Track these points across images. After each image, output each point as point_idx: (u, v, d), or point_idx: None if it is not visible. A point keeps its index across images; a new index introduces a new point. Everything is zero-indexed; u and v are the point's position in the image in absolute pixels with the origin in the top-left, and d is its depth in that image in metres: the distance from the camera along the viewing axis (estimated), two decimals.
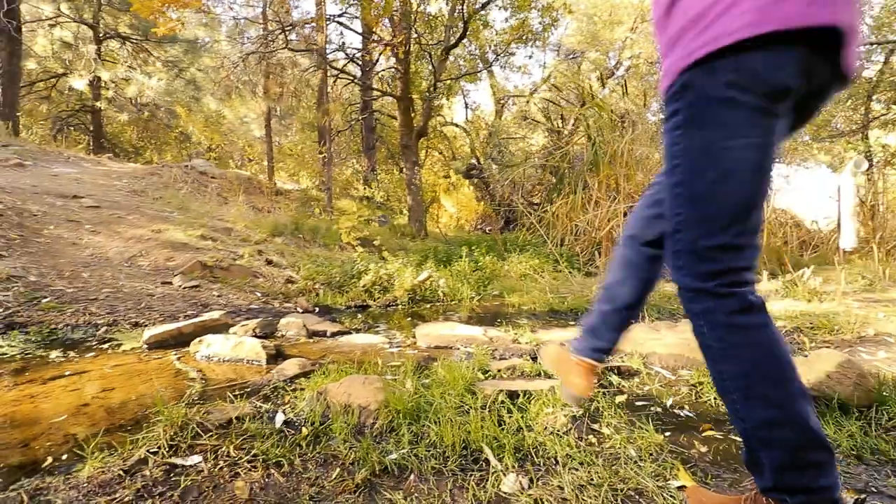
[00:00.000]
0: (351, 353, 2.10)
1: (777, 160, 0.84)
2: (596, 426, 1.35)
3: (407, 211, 10.19)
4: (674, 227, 0.85)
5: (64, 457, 1.17)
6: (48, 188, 5.25)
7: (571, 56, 14.90)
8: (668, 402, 1.55)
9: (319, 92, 10.31)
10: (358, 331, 2.71)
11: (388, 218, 10.51)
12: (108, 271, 3.31)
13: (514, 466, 1.12)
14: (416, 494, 1.01)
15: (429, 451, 1.18)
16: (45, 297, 2.65)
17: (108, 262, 3.53)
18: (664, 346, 1.97)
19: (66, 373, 1.80)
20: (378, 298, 3.90)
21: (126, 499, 0.96)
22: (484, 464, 1.15)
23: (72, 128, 14.62)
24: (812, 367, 1.49)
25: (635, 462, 1.15)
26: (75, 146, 12.03)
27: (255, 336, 2.31)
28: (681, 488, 1.04)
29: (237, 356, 1.99)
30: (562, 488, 1.02)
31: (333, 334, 2.56)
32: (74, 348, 2.13)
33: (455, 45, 9.29)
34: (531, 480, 1.06)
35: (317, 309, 3.43)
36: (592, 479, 1.05)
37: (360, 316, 3.32)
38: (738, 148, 0.76)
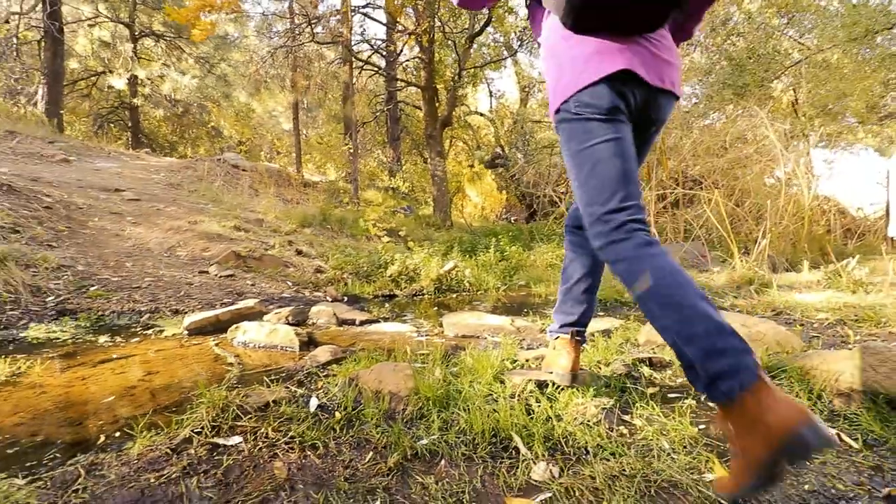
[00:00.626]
0: (380, 341, 2.14)
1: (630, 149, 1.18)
2: (627, 417, 1.33)
3: (432, 201, 10.22)
4: (581, 207, 1.18)
5: (116, 434, 1.24)
6: (92, 182, 5.51)
7: None
8: (702, 395, 1.51)
9: (345, 84, 10.39)
10: (386, 319, 2.75)
11: (412, 208, 10.56)
12: (150, 261, 3.46)
13: (543, 455, 1.12)
14: (447, 479, 1.03)
15: (458, 437, 1.20)
16: (93, 286, 2.80)
17: (150, 253, 3.69)
18: None
19: (114, 357, 1.90)
20: (405, 288, 3.95)
21: (173, 475, 1.01)
22: (513, 452, 1.15)
23: (111, 124, 15.26)
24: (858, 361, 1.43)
25: (668, 454, 1.13)
26: (115, 142, 12.56)
27: (288, 323, 2.37)
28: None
29: (272, 343, 2.05)
30: (593, 478, 1.01)
31: (362, 322, 2.61)
32: (120, 334, 2.24)
33: (479, 33, 9.18)
34: (561, 469, 1.06)
35: (345, 298, 3.50)
36: (625, 470, 1.04)
37: (387, 305, 3.37)
38: (597, 145, 1.13)
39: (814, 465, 1.09)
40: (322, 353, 1.84)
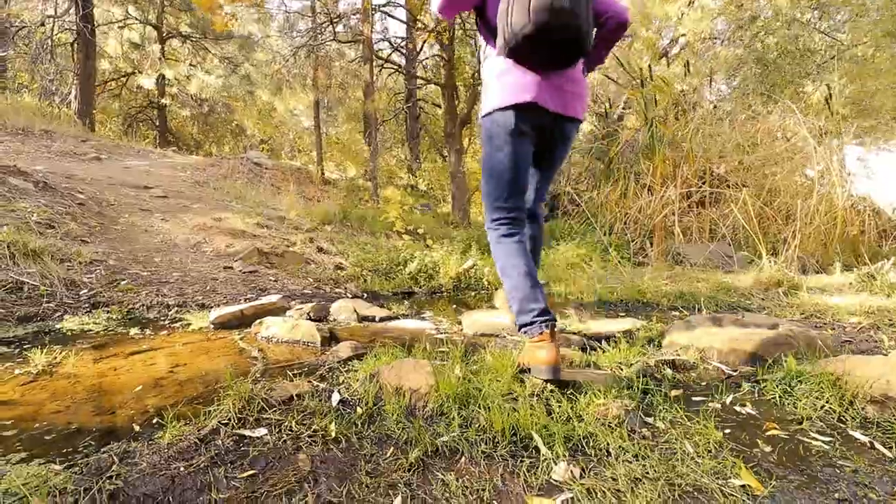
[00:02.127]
0: (400, 338, 2.15)
1: (529, 159, 1.66)
2: (650, 420, 1.32)
3: (450, 199, 10.22)
4: (483, 196, 1.70)
5: (147, 424, 1.28)
6: (122, 179, 5.70)
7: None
8: (728, 399, 1.48)
9: (366, 82, 10.47)
10: (405, 316, 2.77)
11: (430, 206, 10.58)
12: (177, 256, 3.56)
13: (564, 455, 1.12)
14: (467, 477, 1.04)
15: (479, 435, 1.20)
16: (123, 280, 2.89)
17: (177, 248, 3.80)
18: (723, 340, 1.88)
19: (144, 349, 1.96)
20: (423, 285, 3.96)
21: (202, 465, 1.04)
22: (534, 451, 1.15)
23: (140, 123, 15.73)
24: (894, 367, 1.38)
25: (692, 458, 1.11)
26: (144, 140, 12.93)
27: (310, 319, 2.41)
28: (743, 487, 1.00)
29: (294, 338, 2.09)
30: (615, 479, 1.01)
31: (382, 319, 2.63)
32: (150, 326, 2.31)
33: None
34: (583, 470, 1.06)
35: (365, 294, 3.53)
36: (648, 473, 1.03)
37: (406, 302, 3.39)
38: (498, 155, 1.59)
39: (846, 474, 1.06)
40: (343, 349, 1.86)
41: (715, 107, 7.95)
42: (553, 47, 1.43)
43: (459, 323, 2.55)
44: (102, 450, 1.13)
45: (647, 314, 2.87)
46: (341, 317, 2.62)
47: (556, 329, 1.51)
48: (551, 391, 1.43)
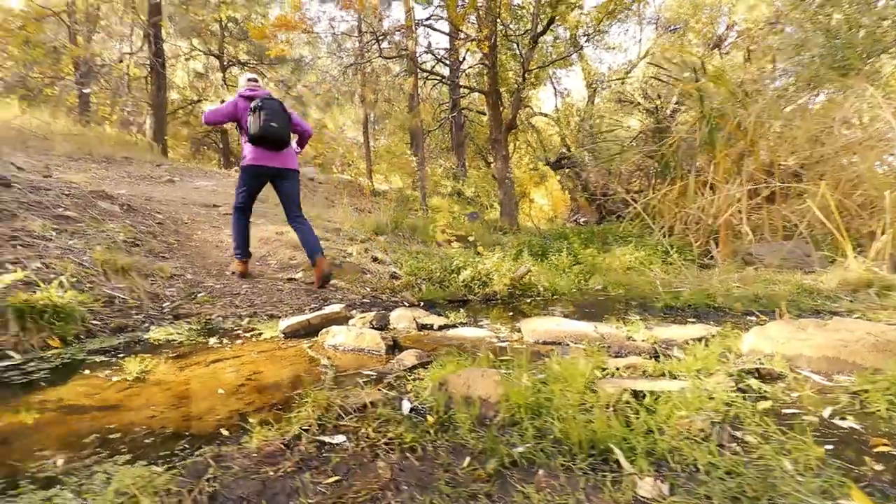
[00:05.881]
0: (461, 346, 2.16)
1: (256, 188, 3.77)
2: (738, 434, 1.23)
3: (498, 205, 10.16)
4: (235, 200, 3.74)
5: (233, 428, 1.36)
6: (193, 199, 6.13)
7: (672, 28, 13.68)
8: (826, 412, 1.36)
9: (411, 95, 10.68)
10: (463, 324, 2.77)
11: (478, 214, 10.55)
12: None
13: (648, 470, 1.06)
14: (548, 490, 1.01)
15: (555, 447, 1.18)
16: (200, 292, 3.10)
17: None
18: (813, 347, 1.73)
19: (223, 357, 2.08)
20: (477, 293, 3.95)
21: (289, 470, 1.09)
22: (614, 465, 1.11)
23: (206, 147, 16.91)
24: None
25: (793, 476, 1.03)
26: (209, 162, 13.88)
27: (372, 328, 2.47)
28: None
29: (359, 346, 2.15)
30: (710, 498, 0.95)
31: (441, 327, 2.65)
32: (226, 336, 2.46)
33: (543, 32, 9.01)
34: (672, 487, 1.00)
35: (421, 303, 3.57)
36: (745, 491, 0.96)
37: (461, 310, 3.38)
38: (243, 183, 3.62)
39: None
40: (408, 357, 1.89)
41: (780, 96, 7.42)
42: (268, 141, 3.40)
43: (518, 331, 2.51)
44: (196, 453, 1.20)
45: (719, 320, 2.70)
46: (401, 325, 2.67)
47: (247, 260, 3.63)
48: (626, 402, 1.37)
